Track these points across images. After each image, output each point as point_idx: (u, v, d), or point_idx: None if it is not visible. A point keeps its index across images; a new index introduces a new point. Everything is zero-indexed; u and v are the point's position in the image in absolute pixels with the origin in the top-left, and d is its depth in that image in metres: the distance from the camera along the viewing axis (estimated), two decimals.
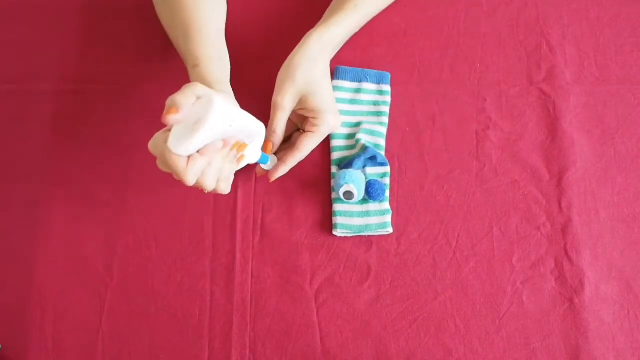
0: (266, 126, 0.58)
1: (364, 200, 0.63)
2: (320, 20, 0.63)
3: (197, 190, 0.64)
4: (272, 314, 0.62)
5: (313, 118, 0.60)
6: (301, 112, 0.61)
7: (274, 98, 0.59)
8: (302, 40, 0.60)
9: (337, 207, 0.63)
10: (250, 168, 0.64)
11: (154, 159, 0.49)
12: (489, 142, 0.65)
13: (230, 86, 0.58)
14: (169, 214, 0.65)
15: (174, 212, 0.65)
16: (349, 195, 0.60)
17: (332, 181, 0.64)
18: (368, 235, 0.63)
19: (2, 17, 0.74)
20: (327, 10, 0.64)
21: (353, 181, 0.60)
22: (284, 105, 0.58)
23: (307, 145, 0.61)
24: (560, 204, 0.63)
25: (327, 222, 0.64)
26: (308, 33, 0.60)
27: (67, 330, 0.62)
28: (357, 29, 0.65)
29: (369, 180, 0.62)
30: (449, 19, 0.70)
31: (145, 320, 0.62)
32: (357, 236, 0.63)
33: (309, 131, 0.61)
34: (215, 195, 0.65)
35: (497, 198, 0.64)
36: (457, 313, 0.61)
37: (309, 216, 0.64)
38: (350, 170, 0.62)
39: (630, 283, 0.61)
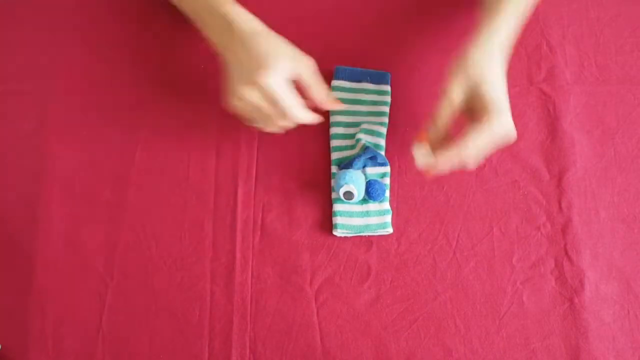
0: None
1: (364, 200, 0.63)
2: (488, 21, 0.57)
3: (197, 190, 0.65)
4: (272, 314, 0.62)
5: (485, 118, 0.54)
6: (470, 110, 0.56)
7: (444, 89, 0.55)
8: (477, 37, 0.55)
9: (337, 207, 0.63)
10: (250, 168, 0.64)
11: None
12: None
13: None
14: (169, 214, 0.65)
15: (174, 212, 0.65)
16: (349, 195, 0.60)
17: (332, 181, 0.64)
18: (368, 235, 0.63)
19: (1, 17, 0.74)
20: (488, 9, 0.58)
21: (353, 181, 0.60)
22: (452, 98, 0.54)
23: (476, 140, 0.54)
24: (560, 204, 0.63)
25: (327, 222, 0.64)
26: (480, 30, 0.56)
27: (67, 330, 0.62)
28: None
29: (369, 180, 0.62)
30: (449, 19, 0.70)
31: (145, 320, 0.62)
32: (357, 236, 0.63)
33: (477, 128, 0.54)
34: (215, 195, 0.65)
35: (497, 198, 0.64)
36: (457, 313, 0.61)
37: (309, 216, 0.64)
38: (350, 170, 0.62)
39: (630, 283, 0.61)
